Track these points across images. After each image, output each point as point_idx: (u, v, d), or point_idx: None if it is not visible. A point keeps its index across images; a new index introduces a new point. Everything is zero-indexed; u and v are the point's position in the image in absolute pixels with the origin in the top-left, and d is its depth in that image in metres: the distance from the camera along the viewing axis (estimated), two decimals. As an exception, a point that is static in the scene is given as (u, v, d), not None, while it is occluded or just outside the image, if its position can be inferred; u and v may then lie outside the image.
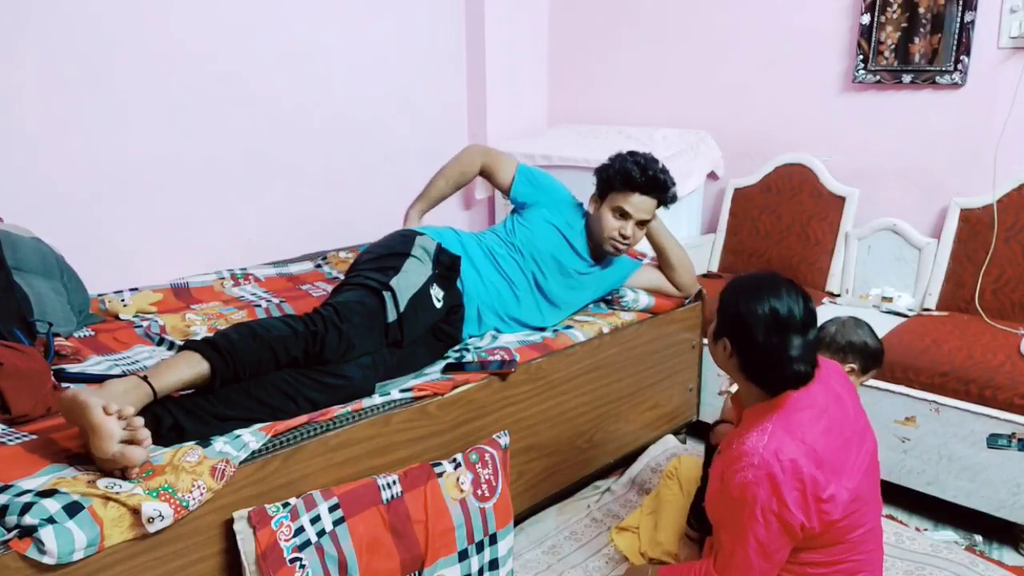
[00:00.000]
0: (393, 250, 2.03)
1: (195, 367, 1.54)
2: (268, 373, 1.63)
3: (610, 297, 2.38)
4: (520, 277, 2.19)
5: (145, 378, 1.47)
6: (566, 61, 3.72)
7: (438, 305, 1.96)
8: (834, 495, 1.42)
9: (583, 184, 2.40)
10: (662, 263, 2.42)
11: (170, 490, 1.31)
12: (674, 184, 2.22)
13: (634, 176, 2.15)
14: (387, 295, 1.86)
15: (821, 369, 1.50)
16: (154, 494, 1.29)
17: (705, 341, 2.60)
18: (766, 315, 1.42)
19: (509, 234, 2.26)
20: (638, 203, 2.18)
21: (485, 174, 2.36)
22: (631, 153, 2.22)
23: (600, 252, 2.30)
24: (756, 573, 1.45)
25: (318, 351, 1.68)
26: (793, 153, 3.04)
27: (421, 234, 2.10)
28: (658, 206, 2.24)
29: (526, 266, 2.21)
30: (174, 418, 1.48)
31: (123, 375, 1.85)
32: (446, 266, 2.05)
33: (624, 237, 2.20)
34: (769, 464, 1.39)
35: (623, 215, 2.19)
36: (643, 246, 2.52)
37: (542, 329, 2.21)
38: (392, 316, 1.84)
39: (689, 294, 2.46)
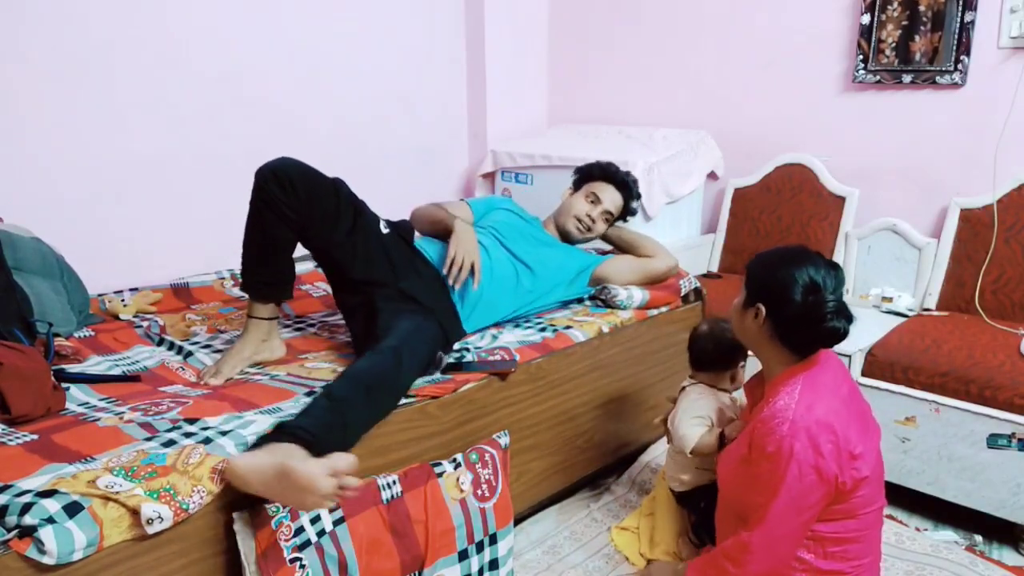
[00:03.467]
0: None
1: None
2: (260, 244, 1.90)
3: (604, 298, 2.38)
4: (486, 239, 2.25)
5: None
6: (566, 61, 3.72)
7: (384, 230, 2.08)
8: (863, 453, 1.48)
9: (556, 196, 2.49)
10: (625, 247, 2.52)
11: (171, 491, 1.31)
12: (640, 196, 2.56)
13: (612, 171, 2.46)
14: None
15: (834, 358, 1.60)
16: (154, 495, 1.29)
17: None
18: (805, 279, 1.50)
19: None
20: (611, 194, 2.44)
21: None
22: (609, 163, 2.51)
23: (565, 238, 2.46)
24: (786, 528, 1.48)
25: (266, 174, 1.86)
26: (793, 153, 3.04)
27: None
28: (622, 213, 2.48)
29: (487, 232, 2.29)
30: (312, 435, 1.44)
31: (124, 375, 1.86)
32: (395, 221, 2.18)
33: (590, 218, 2.42)
34: (804, 418, 1.45)
35: (595, 200, 2.43)
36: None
37: (543, 327, 2.21)
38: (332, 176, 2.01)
39: (670, 265, 2.48)
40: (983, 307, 2.51)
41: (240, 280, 1.99)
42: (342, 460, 1.32)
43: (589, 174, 2.48)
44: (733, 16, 3.16)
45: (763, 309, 1.54)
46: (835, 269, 1.54)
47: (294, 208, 1.85)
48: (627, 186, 2.46)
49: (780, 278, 1.52)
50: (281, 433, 1.43)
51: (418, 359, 1.77)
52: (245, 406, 1.63)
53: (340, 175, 3.16)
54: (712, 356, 1.91)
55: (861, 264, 2.85)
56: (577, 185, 2.50)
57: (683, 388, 1.98)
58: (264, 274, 1.95)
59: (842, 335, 1.51)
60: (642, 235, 2.55)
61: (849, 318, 1.51)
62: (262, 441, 1.43)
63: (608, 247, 2.60)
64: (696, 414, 1.87)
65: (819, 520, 1.52)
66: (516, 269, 2.24)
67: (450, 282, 2.00)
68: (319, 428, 1.45)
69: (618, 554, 2.07)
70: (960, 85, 2.65)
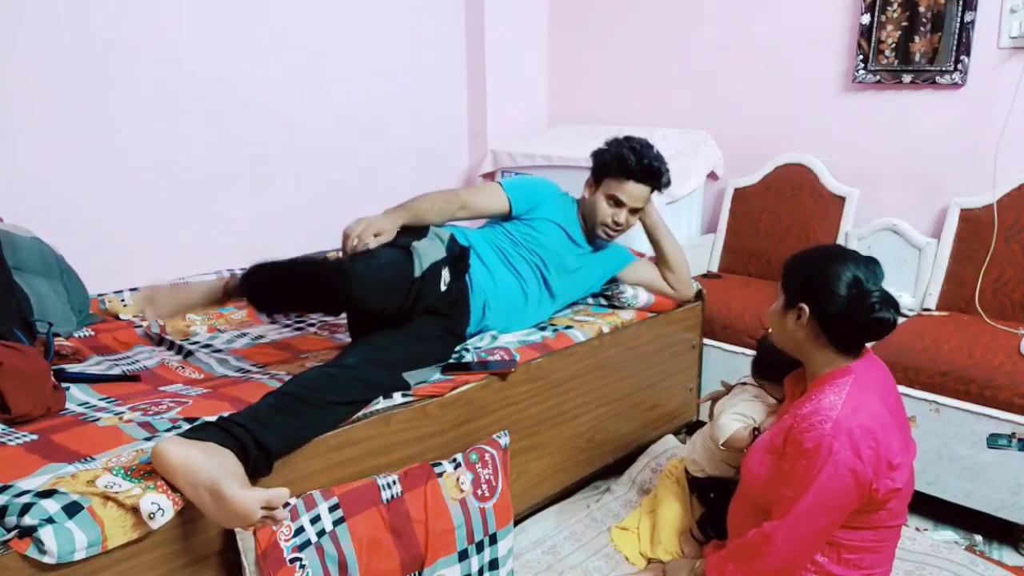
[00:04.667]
0: (407, 234, 2.00)
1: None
2: (289, 293, 1.74)
3: (610, 293, 2.38)
4: (527, 271, 2.18)
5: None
6: (566, 61, 3.72)
7: (443, 288, 1.94)
8: (902, 464, 1.47)
9: (582, 184, 2.41)
10: (659, 261, 2.42)
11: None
12: (667, 170, 2.25)
13: (629, 164, 2.18)
14: (412, 252, 1.87)
15: (881, 363, 1.60)
16: (152, 487, 1.30)
17: (703, 341, 2.64)
18: (847, 275, 1.50)
19: (512, 232, 2.24)
20: (632, 191, 2.20)
21: (471, 209, 2.19)
22: (627, 138, 2.23)
23: (593, 236, 2.32)
24: (811, 525, 1.47)
25: (345, 286, 1.68)
26: (793, 153, 3.04)
27: (428, 227, 2.09)
28: (651, 192, 2.27)
29: (530, 259, 2.19)
30: (255, 439, 1.42)
31: (124, 375, 1.86)
32: (456, 255, 2.03)
33: (616, 224, 2.23)
34: (849, 419, 1.44)
35: (617, 203, 2.22)
36: (644, 247, 2.52)
37: (543, 327, 2.21)
38: (417, 272, 1.83)
39: (684, 296, 2.45)
40: (983, 307, 2.51)
41: (239, 280, 1.82)
42: (277, 495, 1.29)
43: (604, 169, 2.22)
44: (733, 16, 3.15)
45: (806, 309, 1.53)
46: (873, 264, 1.54)
47: (355, 312, 1.78)
48: (649, 174, 2.19)
49: (821, 276, 1.51)
50: (222, 430, 1.39)
51: (374, 380, 1.70)
52: (244, 406, 1.62)
53: (340, 175, 3.19)
54: (776, 367, 1.89)
55: (861, 264, 2.84)
56: (596, 178, 2.26)
57: (742, 383, 1.99)
58: (274, 305, 1.86)
59: (892, 325, 1.50)
60: (672, 245, 2.38)
61: (896, 308, 1.51)
62: (200, 433, 1.39)
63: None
64: (741, 411, 1.89)
65: (841, 527, 1.51)
66: (543, 303, 2.23)
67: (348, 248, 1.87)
68: (259, 430, 1.43)
69: (618, 554, 2.07)
70: (960, 85, 2.65)
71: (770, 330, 1.71)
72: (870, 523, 1.51)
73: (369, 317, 1.82)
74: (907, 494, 1.54)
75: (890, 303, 1.49)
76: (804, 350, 1.59)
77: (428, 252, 1.94)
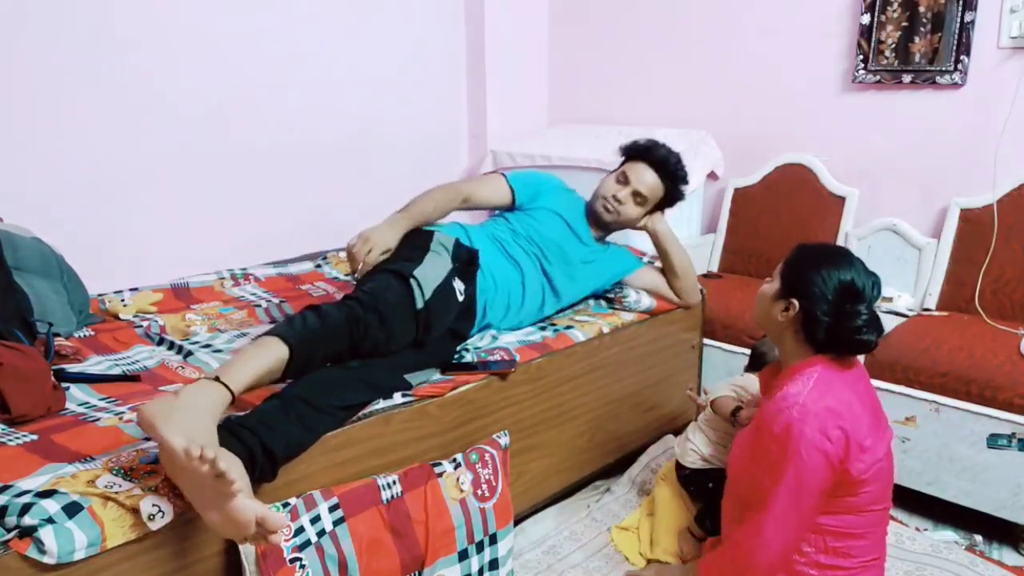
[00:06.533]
0: (410, 245, 2.00)
1: (272, 352, 1.52)
2: (320, 365, 1.64)
3: (612, 296, 2.38)
4: (527, 261, 2.18)
5: (217, 379, 1.40)
6: (566, 61, 3.72)
7: (460, 298, 1.96)
8: (873, 446, 1.49)
9: (583, 184, 2.41)
10: (665, 268, 2.41)
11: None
12: (685, 182, 2.30)
13: (646, 148, 2.24)
14: (412, 283, 1.84)
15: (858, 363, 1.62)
16: (153, 488, 1.30)
17: (703, 341, 2.64)
18: (844, 283, 1.51)
19: (513, 223, 2.25)
20: (642, 173, 2.23)
21: (473, 201, 2.23)
22: (651, 140, 2.30)
23: (600, 226, 2.31)
24: (793, 513, 1.48)
25: (361, 335, 1.67)
26: (793, 153, 3.04)
27: (432, 232, 2.08)
28: (664, 199, 2.29)
29: (530, 249, 2.20)
30: (262, 445, 1.41)
31: (124, 375, 1.86)
32: (465, 261, 2.04)
33: (617, 200, 2.24)
34: (816, 403, 1.47)
35: (624, 179, 2.24)
36: (644, 246, 2.53)
37: (543, 327, 2.21)
38: (420, 303, 1.81)
39: (689, 304, 2.46)
40: (983, 307, 2.51)
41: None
42: (274, 520, 1.28)
43: (626, 152, 2.29)
44: (733, 16, 3.15)
45: (796, 305, 1.55)
46: (873, 280, 1.55)
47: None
48: (663, 165, 2.23)
49: (823, 279, 1.52)
50: (232, 435, 1.38)
51: (376, 381, 1.70)
52: (244, 406, 1.63)
53: (341, 176, 3.20)
54: (767, 362, 1.96)
55: (861, 264, 2.84)
56: (620, 165, 2.31)
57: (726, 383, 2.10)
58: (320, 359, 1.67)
59: (872, 347, 1.53)
60: (679, 253, 2.37)
61: (880, 331, 1.53)
62: None
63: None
64: (737, 383, 2.02)
65: (824, 512, 1.52)
66: (544, 296, 2.22)
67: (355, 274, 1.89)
68: (267, 434, 1.42)
69: (618, 554, 2.07)
70: (960, 85, 2.65)
71: (755, 308, 1.72)
72: (851, 507, 1.52)
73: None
74: (886, 477, 1.56)
75: (875, 326, 1.52)
76: (781, 337, 1.62)
77: (430, 276, 1.89)
